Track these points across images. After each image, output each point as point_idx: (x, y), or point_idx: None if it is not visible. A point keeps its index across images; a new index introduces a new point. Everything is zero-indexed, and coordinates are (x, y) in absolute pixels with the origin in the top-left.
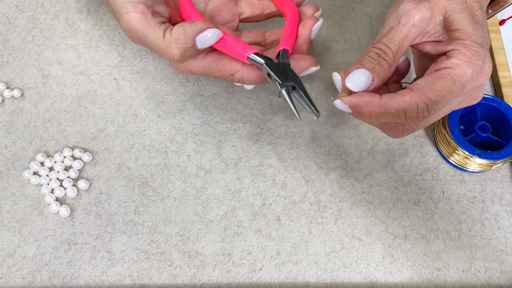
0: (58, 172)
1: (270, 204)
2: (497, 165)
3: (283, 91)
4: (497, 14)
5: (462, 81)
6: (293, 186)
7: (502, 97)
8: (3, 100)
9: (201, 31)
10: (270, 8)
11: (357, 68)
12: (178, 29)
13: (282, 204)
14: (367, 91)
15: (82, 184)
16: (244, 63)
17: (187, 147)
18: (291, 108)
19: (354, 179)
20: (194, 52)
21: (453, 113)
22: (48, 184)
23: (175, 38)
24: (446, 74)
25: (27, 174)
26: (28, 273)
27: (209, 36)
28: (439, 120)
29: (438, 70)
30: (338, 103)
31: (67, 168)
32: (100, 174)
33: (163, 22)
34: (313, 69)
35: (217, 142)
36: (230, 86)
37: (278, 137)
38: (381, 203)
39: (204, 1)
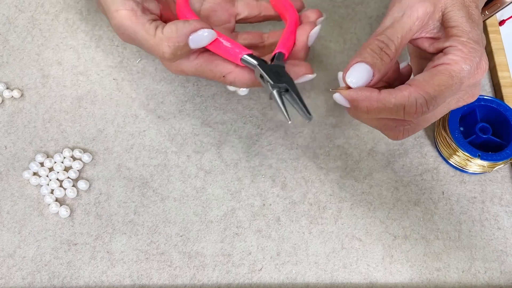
0: (58, 172)
1: (270, 205)
2: (498, 166)
3: (274, 93)
4: (497, 15)
5: (460, 77)
6: (293, 187)
7: (502, 98)
8: (2, 101)
9: (195, 30)
10: (268, 10)
11: (357, 62)
12: (170, 27)
13: (282, 205)
14: (367, 86)
15: (82, 184)
16: (237, 65)
17: (187, 148)
18: (282, 110)
19: (354, 179)
20: (186, 52)
21: (453, 114)
22: (48, 185)
23: (166, 36)
24: (444, 70)
25: (27, 174)
26: (28, 274)
27: (203, 36)
28: (439, 122)
29: (435, 66)
30: (337, 96)
31: (67, 169)
32: (100, 175)
33: (154, 20)
34: (309, 76)
35: (217, 142)
36: None
37: (278, 138)
38: (381, 203)
39: (199, 1)
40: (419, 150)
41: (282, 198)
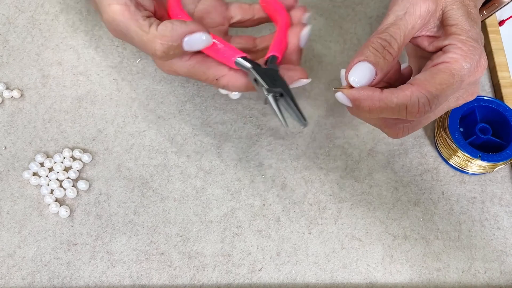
0: (57, 172)
1: (270, 205)
2: (499, 167)
3: (270, 97)
4: (497, 15)
5: (460, 75)
6: (293, 187)
7: (501, 98)
8: (2, 101)
9: (191, 32)
10: (261, 13)
11: (360, 61)
12: (166, 25)
13: (282, 205)
14: (369, 86)
15: (81, 184)
16: (230, 68)
17: (187, 148)
18: (277, 115)
19: (354, 179)
20: (179, 53)
21: (452, 115)
22: (48, 185)
23: (161, 34)
24: (444, 68)
25: (26, 174)
26: (27, 274)
27: (199, 40)
28: (439, 123)
29: (435, 65)
30: (339, 95)
31: (66, 169)
32: (99, 175)
33: (148, 16)
34: (304, 81)
35: (217, 142)
36: None
37: (278, 138)
38: (381, 203)
39: (193, 2)
40: (419, 150)
41: (282, 198)
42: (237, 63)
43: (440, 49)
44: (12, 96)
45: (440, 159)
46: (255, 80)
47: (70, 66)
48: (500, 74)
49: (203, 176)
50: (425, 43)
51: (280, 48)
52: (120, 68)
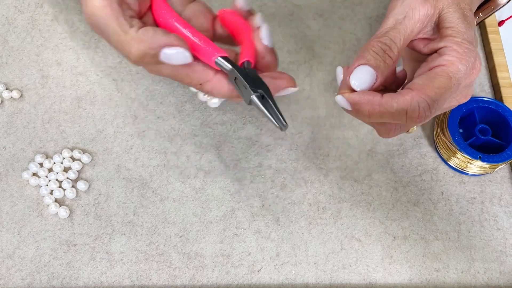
0: (57, 173)
1: (270, 205)
2: (499, 167)
3: (254, 98)
4: (496, 15)
5: (457, 78)
6: (292, 187)
7: (501, 98)
8: (2, 101)
9: (172, 45)
10: (220, 30)
11: (361, 65)
12: (148, 30)
13: (282, 205)
14: (370, 90)
15: (81, 185)
16: (216, 73)
17: (187, 148)
18: (266, 115)
19: (354, 180)
20: (154, 62)
21: (452, 117)
22: (47, 185)
23: (139, 37)
24: (441, 72)
25: (26, 175)
26: (27, 274)
27: (178, 55)
28: (437, 125)
29: (432, 68)
30: (339, 98)
31: (66, 169)
32: (99, 175)
33: (131, 16)
34: (292, 90)
35: (216, 143)
36: None
37: (277, 138)
38: (381, 204)
39: (182, 5)
40: (418, 150)
41: (282, 199)
42: (217, 63)
43: (435, 51)
44: (12, 97)
45: (439, 160)
46: (235, 81)
47: (70, 66)
48: (499, 74)
49: (203, 176)
50: (420, 45)
51: (250, 53)
52: (119, 69)
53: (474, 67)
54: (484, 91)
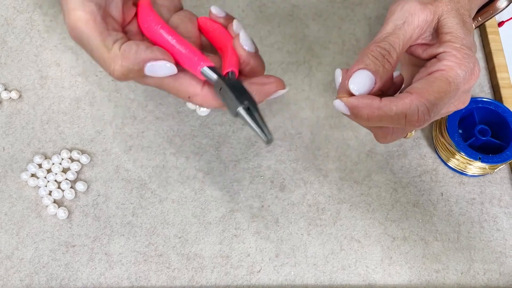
0: (56, 174)
1: (269, 206)
2: (499, 168)
3: (241, 110)
4: (496, 16)
5: (456, 83)
6: (292, 188)
7: (500, 99)
8: (1, 102)
9: (155, 59)
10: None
11: (360, 69)
12: (130, 46)
13: (281, 206)
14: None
15: (80, 186)
16: (203, 85)
17: (186, 149)
18: (253, 128)
19: (353, 181)
20: (139, 76)
21: (451, 118)
22: (46, 186)
23: (123, 55)
24: (440, 76)
25: (24, 176)
26: (25, 276)
27: (162, 68)
28: (436, 127)
29: (431, 73)
30: (337, 103)
31: (65, 170)
32: (98, 176)
33: (114, 30)
34: (282, 92)
35: (216, 144)
36: None
37: (277, 139)
38: (380, 205)
39: (169, 12)
40: (418, 151)
41: (281, 200)
42: (203, 73)
43: (434, 56)
44: (10, 97)
45: (439, 161)
46: (221, 91)
47: (69, 67)
48: (499, 75)
49: (202, 177)
50: (419, 51)
51: (233, 62)
52: None
53: (473, 73)
54: (483, 92)
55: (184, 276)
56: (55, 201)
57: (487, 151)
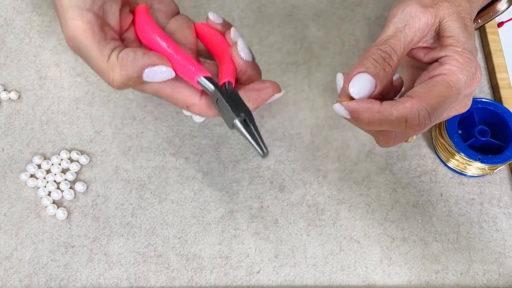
0: (55, 174)
1: (268, 207)
2: (499, 168)
3: (237, 123)
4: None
5: (458, 87)
6: (291, 189)
7: (500, 99)
8: (0, 102)
9: (153, 65)
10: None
11: (360, 72)
12: (128, 54)
13: (280, 207)
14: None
15: (79, 186)
16: (201, 94)
17: (185, 150)
18: (249, 140)
19: (352, 181)
20: (138, 83)
21: (451, 119)
22: (45, 187)
23: (121, 63)
24: (442, 80)
25: (24, 176)
26: (24, 276)
27: (160, 72)
28: (436, 128)
29: (432, 77)
30: (337, 107)
31: (64, 171)
32: (97, 177)
33: (112, 39)
34: (278, 95)
35: (215, 144)
36: None
37: (276, 139)
38: (379, 205)
39: (166, 17)
40: (417, 152)
41: (280, 200)
42: (200, 83)
43: (436, 60)
44: (10, 98)
45: (438, 161)
46: (218, 102)
47: (68, 67)
48: (498, 75)
49: (201, 178)
50: (421, 54)
51: (230, 71)
52: None
53: (475, 77)
54: (483, 92)
55: (184, 277)
56: (54, 202)
57: (486, 151)
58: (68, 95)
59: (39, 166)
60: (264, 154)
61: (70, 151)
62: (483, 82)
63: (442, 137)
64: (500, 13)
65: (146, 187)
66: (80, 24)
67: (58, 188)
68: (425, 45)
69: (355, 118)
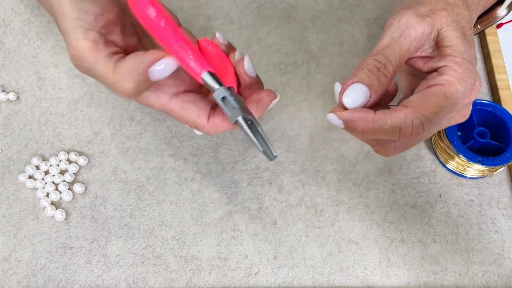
0: (53, 175)
1: (267, 208)
2: (498, 170)
3: (240, 120)
4: None
5: (455, 98)
6: (290, 190)
7: (499, 100)
8: None
9: (155, 61)
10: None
11: (354, 83)
12: (130, 60)
13: (279, 208)
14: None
15: (77, 187)
16: (209, 118)
17: (184, 151)
18: (251, 138)
19: (351, 182)
20: (149, 85)
21: None
22: (44, 188)
23: (126, 71)
24: (438, 91)
25: (22, 177)
26: (23, 278)
27: (164, 66)
28: None
29: (430, 86)
30: (331, 117)
31: (62, 172)
32: (95, 178)
33: (116, 52)
34: (275, 101)
35: (214, 145)
36: None
37: (275, 140)
38: (378, 206)
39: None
40: (416, 152)
41: (279, 201)
42: (203, 79)
43: (435, 69)
44: (8, 99)
45: (437, 162)
46: (223, 101)
47: (66, 68)
48: (497, 76)
49: (200, 179)
50: (420, 64)
51: (234, 82)
52: None
53: (473, 88)
54: (482, 93)
55: (182, 278)
56: (52, 203)
57: (486, 153)
58: (66, 96)
59: (37, 167)
60: (273, 157)
61: (68, 152)
62: (482, 83)
63: (441, 139)
64: (500, 19)
65: (144, 188)
66: (84, 43)
67: (56, 189)
68: (423, 54)
69: (349, 128)
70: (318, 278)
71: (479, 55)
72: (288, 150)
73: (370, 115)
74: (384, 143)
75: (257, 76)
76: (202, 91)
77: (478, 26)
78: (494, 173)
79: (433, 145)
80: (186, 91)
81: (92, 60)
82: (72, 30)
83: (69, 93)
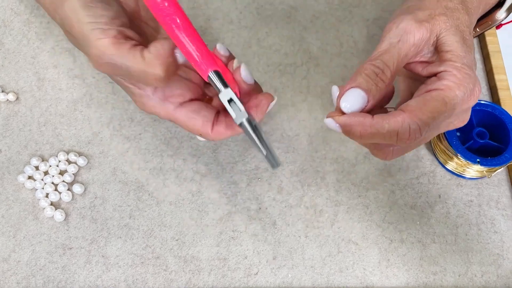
0: (53, 176)
1: (266, 208)
2: (497, 171)
3: (245, 121)
4: None
5: (453, 103)
6: (289, 190)
7: (498, 101)
8: None
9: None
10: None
11: (352, 88)
12: (155, 45)
13: (278, 208)
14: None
15: (77, 188)
16: (213, 127)
17: (183, 151)
18: (255, 141)
19: (351, 182)
20: (176, 68)
21: None
22: (43, 189)
23: (156, 55)
24: (437, 96)
25: (21, 178)
26: (22, 278)
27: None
28: None
29: (429, 91)
30: (328, 121)
31: (62, 172)
32: (95, 178)
33: (137, 44)
34: (273, 103)
35: (213, 145)
36: None
37: (274, 141)
38: (378, 207)
39: None
40: (415, 153)
41: (278, 202)
42: (210, 78)
43: (435, 74)
44: (8, 99)
45: (436, 162)
46: (229, 102)
47: (66, 69)
48: (497, 76)
49: (199, 179)
50: (419, 68)
51: (235, 89)
52: None
53: (473, 94)
54: (481, 94)
55: (181, 279)
56: (52, 203)
57: (485, 153)
58: (66, 96)
59: (37, 168)
60: (276, 165)
61: (68, 152)
62: (481, 84)
63: (440, 140)
64: (499, 22)
65: (144, 188)
66: (106, 41)
67: (56, 189)
68: (423, 59)
69: (347, 132)
70: (318, 279)
71: (478, 56)
72: (288, 150)
73: (367, 119)
74: (382, 147)
75: (255, 82)
76: (205, 99)
77: (477, 29)
78: (493, 174)
79: (432, 145)
80: (191, 100)
81: (118, 53)
82: (91, 32)
83: (69, 93)
